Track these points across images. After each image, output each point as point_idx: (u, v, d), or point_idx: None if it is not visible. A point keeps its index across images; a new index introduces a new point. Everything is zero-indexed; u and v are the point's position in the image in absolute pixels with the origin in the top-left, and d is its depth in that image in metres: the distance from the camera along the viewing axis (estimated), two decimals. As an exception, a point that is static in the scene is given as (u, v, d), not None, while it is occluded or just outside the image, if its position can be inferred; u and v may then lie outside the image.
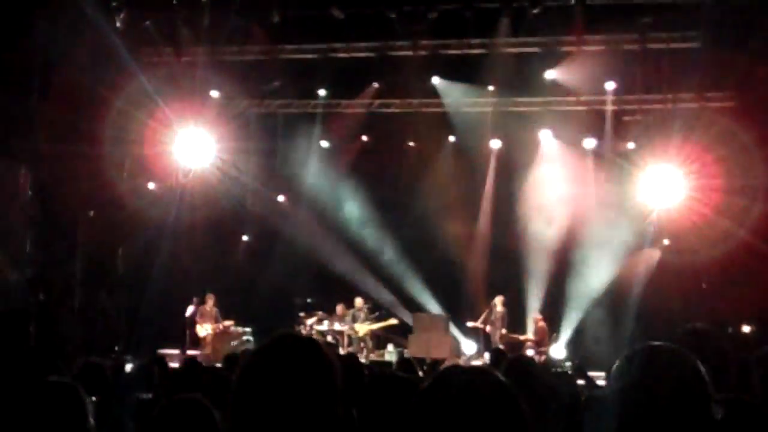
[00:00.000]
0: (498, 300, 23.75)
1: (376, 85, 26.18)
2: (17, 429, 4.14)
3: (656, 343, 3.83)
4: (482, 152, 26.28)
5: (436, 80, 25.51)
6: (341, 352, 22.56)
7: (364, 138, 27.17)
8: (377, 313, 24.60)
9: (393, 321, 24.59)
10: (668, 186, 22.97)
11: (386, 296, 25.73)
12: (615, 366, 3.78)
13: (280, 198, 27.71)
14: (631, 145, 24.71)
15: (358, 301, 24.73)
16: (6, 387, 6.40)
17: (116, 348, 23.33)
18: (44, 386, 4.32)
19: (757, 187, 21.82)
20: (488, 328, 23.73)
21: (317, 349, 3.44)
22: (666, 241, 23.98)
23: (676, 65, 23.10)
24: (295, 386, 3.28)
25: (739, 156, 21.64)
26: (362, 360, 18.82)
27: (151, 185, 26.24)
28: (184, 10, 24.78)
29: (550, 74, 24.43)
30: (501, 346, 21.60)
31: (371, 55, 25.74)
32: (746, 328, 22.16)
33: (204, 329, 24.07)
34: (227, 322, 24.29)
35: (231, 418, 3.38)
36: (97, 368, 9.05)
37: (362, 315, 24.46)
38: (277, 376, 3.32)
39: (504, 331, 23.49)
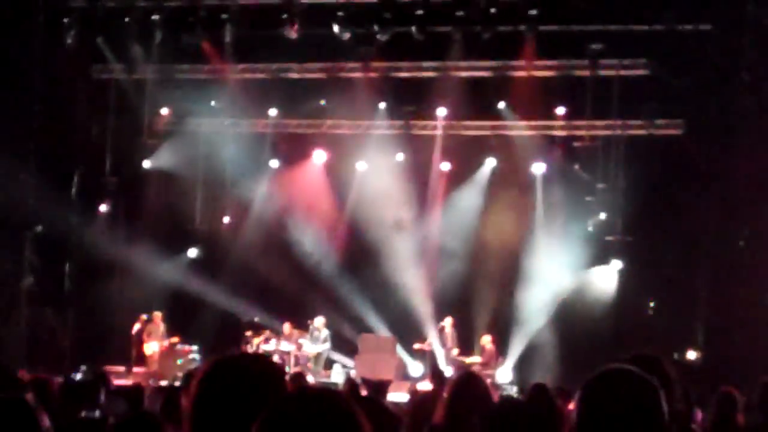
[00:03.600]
0: (447, 322, 23.81)
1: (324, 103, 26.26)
2: None
3: (618, 366, 3.89)
4: (431, 173, 26.35)
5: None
6: (288, 371, 22.49)
7: (315, 158, 27.10)
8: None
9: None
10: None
11: (333, 316, 25.51)
12: (581, 390, 3.80)
13: (226, 219, 27.50)
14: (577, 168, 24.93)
15: (319, 321, 24.45)
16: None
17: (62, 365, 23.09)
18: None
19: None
20: (439, 350, 23.83)
21: (269, 367, 3.48)
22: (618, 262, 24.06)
23: (626, 92, 23.40)
24: (249, 404, 3.30)
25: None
26: (309, 380, 18.84)
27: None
28: (136, 27, 24.71)
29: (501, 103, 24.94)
30: (449, 368, 21.69)
31: (322, 76, 25.89)
32: (691, 355, 22.34)
33: (150, 347, 23.87)
34: (173, 339, 24.12)
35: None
36: (43, 384, 9.00)
37: (321, 335, 24.26)
38: (232, 394, 3.36)
39: (456, 351, 23.57)
